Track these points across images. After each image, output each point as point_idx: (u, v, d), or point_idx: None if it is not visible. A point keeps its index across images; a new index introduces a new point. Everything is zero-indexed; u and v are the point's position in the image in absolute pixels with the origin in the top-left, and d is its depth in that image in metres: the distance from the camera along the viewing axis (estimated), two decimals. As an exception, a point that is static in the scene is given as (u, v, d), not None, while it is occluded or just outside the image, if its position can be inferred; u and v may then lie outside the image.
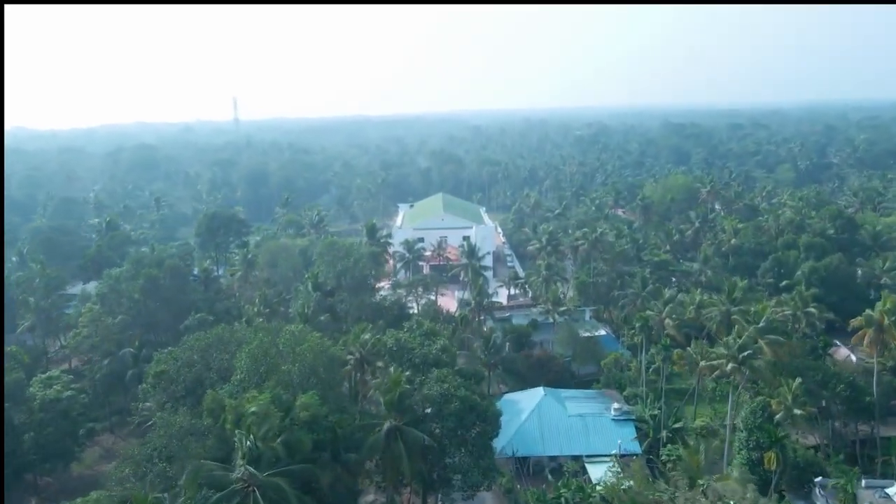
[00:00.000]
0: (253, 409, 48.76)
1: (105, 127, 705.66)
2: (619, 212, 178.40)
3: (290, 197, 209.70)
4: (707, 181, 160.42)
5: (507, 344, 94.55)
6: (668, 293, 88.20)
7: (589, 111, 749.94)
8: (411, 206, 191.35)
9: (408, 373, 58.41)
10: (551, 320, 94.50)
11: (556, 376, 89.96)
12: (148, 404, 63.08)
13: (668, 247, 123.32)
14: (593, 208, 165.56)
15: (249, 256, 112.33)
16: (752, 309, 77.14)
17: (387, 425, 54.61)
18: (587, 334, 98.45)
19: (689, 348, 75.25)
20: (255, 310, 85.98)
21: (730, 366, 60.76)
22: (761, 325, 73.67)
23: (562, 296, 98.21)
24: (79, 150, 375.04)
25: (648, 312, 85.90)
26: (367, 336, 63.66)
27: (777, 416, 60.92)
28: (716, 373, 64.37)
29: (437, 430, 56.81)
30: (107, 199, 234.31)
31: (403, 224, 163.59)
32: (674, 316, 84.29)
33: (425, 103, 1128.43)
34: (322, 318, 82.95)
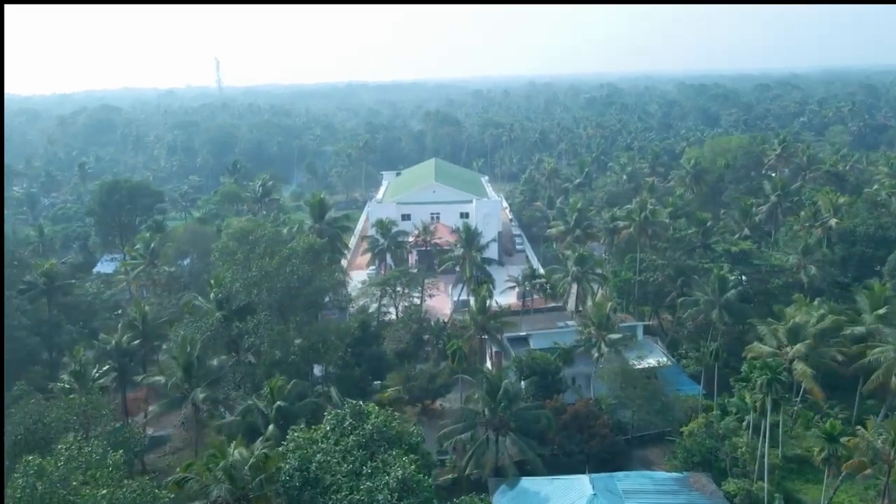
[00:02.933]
0: None
1: (87, 92, 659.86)
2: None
3: (254, 164, 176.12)
4: (778, 141, 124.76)
5: (524, 384, 61.11)
6: (794, 315, 53.94)
7: (596, 77, 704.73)
8: (398, 174, 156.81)
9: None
10: (596, 354, 60.46)
11: (603, 442, 56.69)
12: None
13: (745, 230, 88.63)
14: (624, 177, 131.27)
15: (153, 246, 78.33)
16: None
17: None
18: (643, 365, 65.02)
19: (864, 432, 41.62)
20: (114, 342, 52.14)
21: None
22: None
23: (611, 313, 63.43)
24: (35, 114, 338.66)
25: (763, 347, 52.10)
26: (239, 454, 29.71)
27: None
28: None
29: None
30: (44, 166, 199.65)
31: (385, 197, 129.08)
32: (807, 353, 50.72)
33: (424, 69, 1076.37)
34: (216, 360, 49.29)
